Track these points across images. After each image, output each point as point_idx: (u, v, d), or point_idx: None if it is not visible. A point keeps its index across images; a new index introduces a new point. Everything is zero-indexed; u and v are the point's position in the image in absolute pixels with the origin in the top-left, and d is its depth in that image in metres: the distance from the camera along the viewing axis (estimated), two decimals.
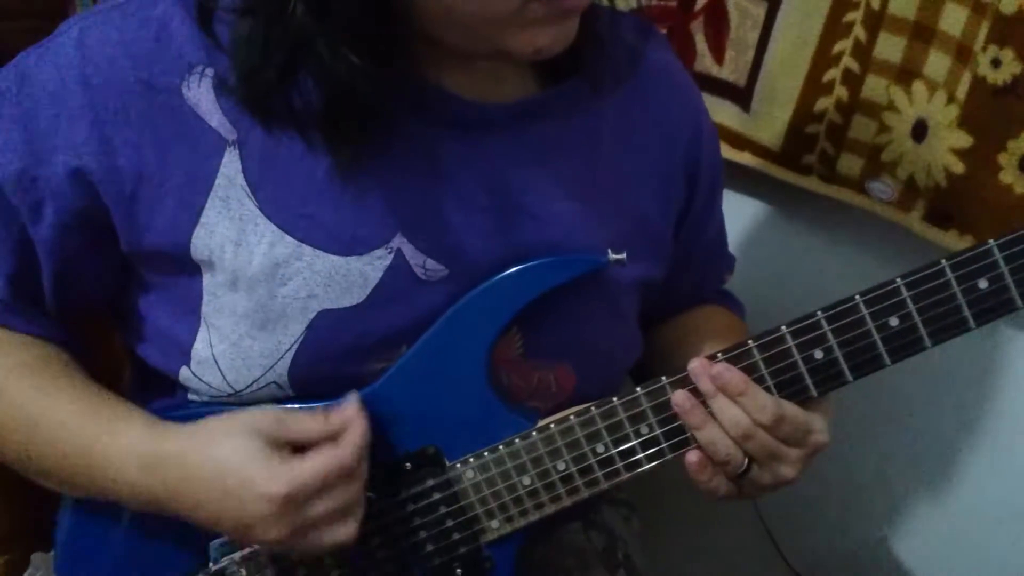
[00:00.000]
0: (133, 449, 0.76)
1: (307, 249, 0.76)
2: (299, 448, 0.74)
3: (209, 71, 0.74)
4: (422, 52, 0.76)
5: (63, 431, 0.78)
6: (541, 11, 0.69)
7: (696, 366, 0.77)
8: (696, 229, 0.97)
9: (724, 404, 0.76)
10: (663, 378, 0.78)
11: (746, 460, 0.77)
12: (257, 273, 0.76)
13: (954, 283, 0.71)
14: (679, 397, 0.77)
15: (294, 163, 0.76)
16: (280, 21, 0.68)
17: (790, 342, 0.75)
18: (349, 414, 0.76)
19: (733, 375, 0.75)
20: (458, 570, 0.84)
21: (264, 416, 0.75)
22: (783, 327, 0.75)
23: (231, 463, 0.72)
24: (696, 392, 0.77)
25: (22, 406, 0.79)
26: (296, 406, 0.78)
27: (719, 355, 0.76)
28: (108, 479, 0.77)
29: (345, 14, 0.67)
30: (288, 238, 0.76)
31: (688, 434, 0.78)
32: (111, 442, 0.77)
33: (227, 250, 0.76)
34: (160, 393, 0.85)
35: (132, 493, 0.77)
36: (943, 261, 0.71)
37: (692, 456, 0.78)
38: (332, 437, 0.75)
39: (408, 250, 0.78)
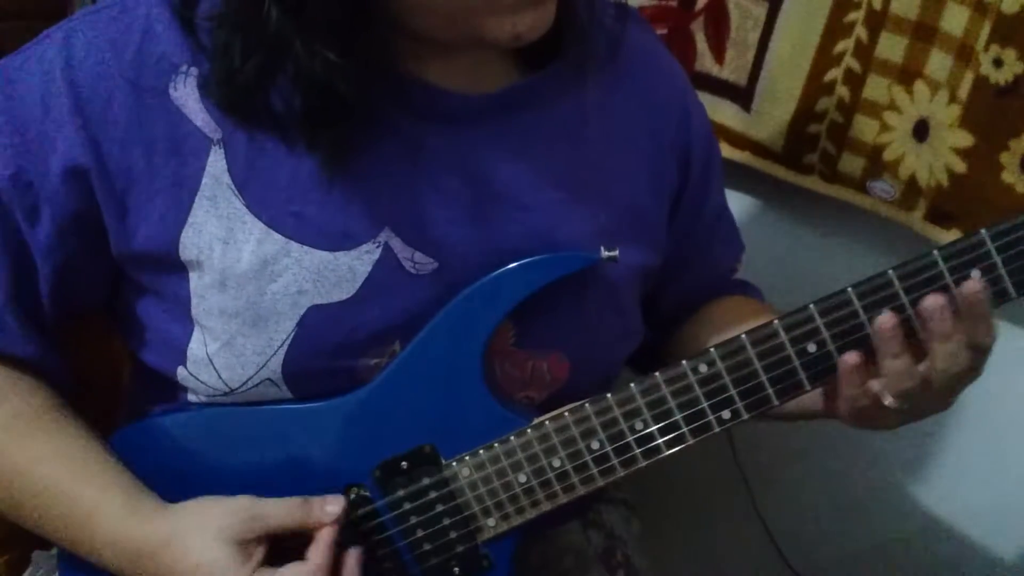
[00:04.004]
0: (114, 540, 0.78)
1: (295, 245, 0.77)
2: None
3: (193, 71, 0.75)
4: (403, 46, 0.76)
5: (52, 507, 0.79)
6: None
7: (940, 301, 0.71)
8: (693, 210, 0.96)
9: (958, 344, 0.72)
10: (656, 374, 0.77)
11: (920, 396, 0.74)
12: (246, 271, 0.76)
13: (947, 274, 0.71)
14: (887, 320, 0.72)
15: (279, 161, 0.76)
16: (256, 25, 0.69)
17: (783, 336, 0.74)
18: (329, 511, 0.79)
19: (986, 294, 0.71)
20: (456, 569, 0.84)
21: (236, 514, 0.77)
22: (775, 321, 0.74)
23: (202, 570, 0.75)
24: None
25: (14, 469, 0.80)
26: (269, 501, 0.78)
27: (712, 349, 0.76)
28: (95, 556, 0.79)
29: (321, 13, 0.67)
30: (276, 235, 0.76)
31: (684, 429, 0.78)
32: (93, 529, 0.78)
33: (216, 249, 0.76)
34: (159, 392, 0.85)
35: (117, 570, 0.79)
36: (935, 252, 0.71)
37: (852, 357, 0.73)
38: (309, 527, 0.78)
39: (396, 244, 0.78)
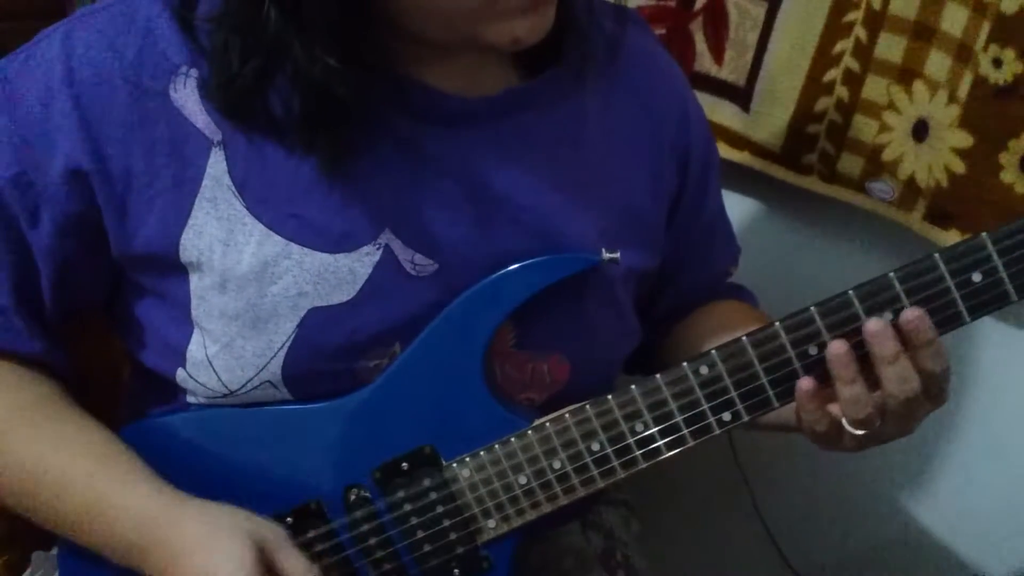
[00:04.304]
0: (137, 516, 0.76)
1: (295, 247, 0.76)
2: None
3: (193, 72, 0.75)
4: (402, 49, 0.76)
5: (68, 490, 0.78)
6: (515, 1, 0.69)
7: (879, 326, 0.72)
8: (691, 212, 0.96)
9: (904, 367, 0.72)
10: (657, 376, 0.77)
11: (879, 422, 0.75)
12: (247, 273, 0.76)
13: (947, 277, 0.71)
14: (838, 347, 0.72)
15: (279, 163, 0.76)
16: (255, 28, 0.68)
17: (784, 337, 0.74)
18: None
19: (927, 322, 0.71)
20: (456, 570, 0.84)
21: (269, 529, 0.76)
22: (776, 323, 0.74)
23: (222, 570, 0.73)
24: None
25: (27, 455, 0.79)
26: (293, 550, 0.77)
27: (713, 351, 0.76)
28: (106, 540, 0.78)
29: (320, 17, 0.67)
30: (276, 237, 0.76)
31: (684, 431, 0.78)
32: (114, 509, 0.77)
33: (216, 250, 0.76)
34: (158, 393, 0.85)
35: (124, 557, 0.77)
36: (936, 255, 0.71)
37: (805, 383, 0.74)
38: None
39: (396, 246, 0.78)
